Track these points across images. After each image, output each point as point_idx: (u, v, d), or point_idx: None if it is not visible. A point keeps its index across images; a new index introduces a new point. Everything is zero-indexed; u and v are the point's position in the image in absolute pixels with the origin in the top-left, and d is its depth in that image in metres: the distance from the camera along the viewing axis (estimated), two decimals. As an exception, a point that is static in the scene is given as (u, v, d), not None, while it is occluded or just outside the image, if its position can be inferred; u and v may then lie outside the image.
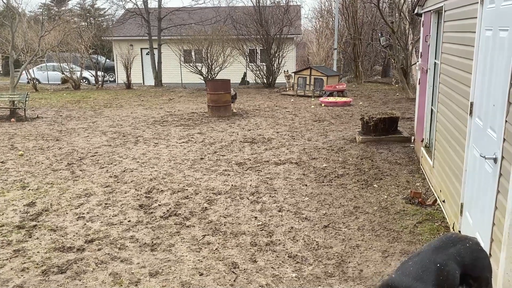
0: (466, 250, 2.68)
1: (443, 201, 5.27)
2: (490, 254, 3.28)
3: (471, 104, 4.07)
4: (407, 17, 16.58)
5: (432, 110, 6.79)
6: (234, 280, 3.96)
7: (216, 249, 4.57)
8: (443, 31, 5.62)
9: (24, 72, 21.68)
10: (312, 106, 14.58)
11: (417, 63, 8.41)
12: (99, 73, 23.89)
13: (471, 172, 4.04)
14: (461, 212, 4.33)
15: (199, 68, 20.66)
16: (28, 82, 23.23)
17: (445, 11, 5.50)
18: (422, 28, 7.67)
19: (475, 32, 3.99)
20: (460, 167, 4.43)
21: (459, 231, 4.37)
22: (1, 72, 30.57)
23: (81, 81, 23.73)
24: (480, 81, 3.84)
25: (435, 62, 6.63)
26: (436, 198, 5.68)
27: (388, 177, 6.76)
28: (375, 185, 6.42)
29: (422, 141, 7.07)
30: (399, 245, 4.56)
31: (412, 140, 8.53)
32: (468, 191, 4.15)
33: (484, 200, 3.57)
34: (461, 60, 4.59)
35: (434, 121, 6.34)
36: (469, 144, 4.11)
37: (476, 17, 3.92)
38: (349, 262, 4.26)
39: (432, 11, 6.59)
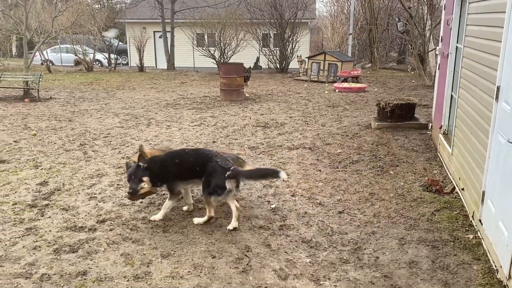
0: None
1: (462, 189, 5.11)
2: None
3: (498, 88, 3.89)
4: (425, 2, 16.15)
5: (452, 96, 6.59)
6: (247, 264, 3.89)
7: (228, 232, 4.50)
8: (467, 13, 5.39)
9: (38, 53, 21.78)
10: (326, 92, 14.36)
11: (437, 48, 8.16)
12: (112, 55, 23.84)
13: (495, 159, 3.88)
14: (482, 200, 4.18)
15: (212, 52, 20.46)
16: (42, 64, 23.30)
17: (470, -9, 5.27)
18: (444, 11, 7.41)
19: (505, 12, 3.79)
20: (483, 154, 4.27)
21: (480, 220, 4.23)
22: (16, 54, 30.73)
23: (94, 63, 23.73)
24: (509, 63, 3.65)
25: (457, 46, 6.40)
26: (454, 186, 5.53)
27: (405, 164, 6.60)
28: (391, 172, 6.28)
29: (440, 128, 6.88)
30: (417, 232, 4.44)
31: (430, 127, 8.33)
32: (491, 178, 4.00)
33: (509, 188, 3.42)
34: (487, 43, 4.39)
35: (454, 107, 6.14)
36: (494, 129, 3.94)
37: (507, -4, 3.72)
38: (365, 248, 4.16)
39: (455, -7, 6.33)
